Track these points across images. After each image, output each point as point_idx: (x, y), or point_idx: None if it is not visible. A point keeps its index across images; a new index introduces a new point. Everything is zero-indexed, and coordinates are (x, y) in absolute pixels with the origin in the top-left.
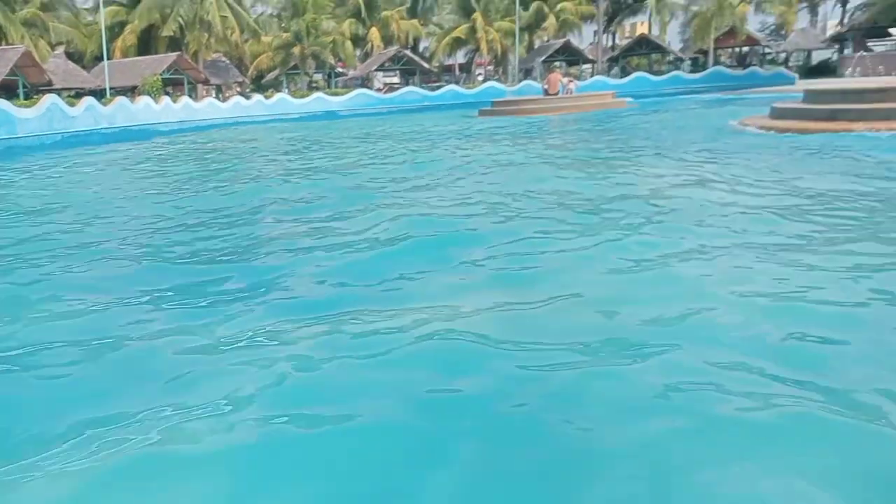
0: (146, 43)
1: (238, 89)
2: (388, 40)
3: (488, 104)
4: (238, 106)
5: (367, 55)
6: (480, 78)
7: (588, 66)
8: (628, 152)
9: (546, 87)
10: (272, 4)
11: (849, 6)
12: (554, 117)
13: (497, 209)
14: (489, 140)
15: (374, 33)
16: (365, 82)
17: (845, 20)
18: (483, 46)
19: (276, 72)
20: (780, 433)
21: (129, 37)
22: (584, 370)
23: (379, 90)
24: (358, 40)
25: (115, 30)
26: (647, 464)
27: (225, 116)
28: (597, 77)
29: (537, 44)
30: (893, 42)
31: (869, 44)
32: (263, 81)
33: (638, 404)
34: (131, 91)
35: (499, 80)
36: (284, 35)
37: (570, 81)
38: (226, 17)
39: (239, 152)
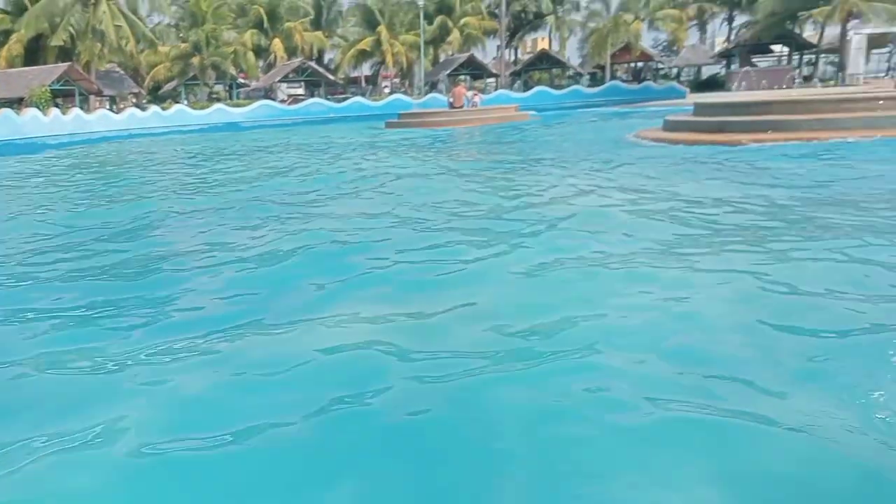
0: (34, 53)
1: (134, 101)
2: (291, 51)
3: (395, 116)
4: (133, 118)
5: (270, 66)
6: (387, 90)
7: (492, 79)
8: (531, 163)
9: (451, 100)
10: (170, 14)
11: (735, 24)
12: (460, 129)
13: (402, 220)
14: (395, 152)
15: (278, 44)
16: (268, 94)
17: (732, 37)
18: (389, 59)
19: (175, 83)
20: (674, 438)
21: (14, 46)
22: (486, 377)
23: (283, 102)
24: (260, 51)
25: None
26: (545, 471)
27: (119, 129)
28: (500, 91)
29: (442, 57)
30: (775, 58)
31: (753, 59)
32: (161, 92)
33: (538, 410)
34: (18, 103)
35: (405, 92)
36: (183, 45)
37: (475, 95)
38: (120, 26)
39: (132, 166)
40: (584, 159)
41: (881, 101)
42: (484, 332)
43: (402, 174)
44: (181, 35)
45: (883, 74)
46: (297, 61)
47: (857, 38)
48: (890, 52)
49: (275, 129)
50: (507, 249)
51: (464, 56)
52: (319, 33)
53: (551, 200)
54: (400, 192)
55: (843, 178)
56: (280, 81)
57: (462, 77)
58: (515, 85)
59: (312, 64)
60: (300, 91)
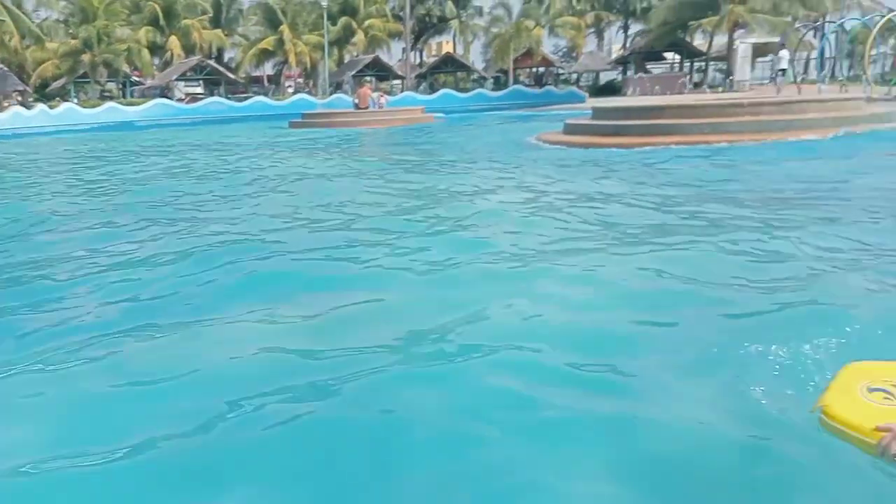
0: None
1: (19, 98)
2: (189, 50)
3: (299, 116)
4: (18, 116)
5: (167, 64)
6: (291, 90)
7: (398, 81)
8: (436, 164)
9: (357, 101)
10: (58, 9)
11: (630, 32)
12: (365, 130)
13: (303, 221)
14: (299, 152)
15: (174, 42)
16: (165, 92)
17: (627, 44)
18: (292, 59)
19: (64, 80)
20: (573, 431)
21: None
22: (387, 377)
23: (180, 100)
24: (156, 49)
25: None
26: (448, 470)
27: (1, 128)
28: (406, 92)
29: (347, 58)
30: (668, 65)
31: (648, 66)
32: (49, 90)
33: (440, 408)
34: None
35: (310, 92)
36: (72, 42)
37: (381, 96)
38: (3, 20)
39: (13, 167)
40: (487, 161)
41: (765, 107)
42: (385, 331)
43: (305, 174)
44: (71, 31)
45: (767, 81)
46: (194, 59)
47: (743, 47)
48: (772, 60)
49: (172, 128)
50: (411, 249)
51: (369, 57)
52: (219, 31)
53: (455, 200)
54: (302, 192)
55: (728, 178)
56: (177, 80)
57: (368, 78)
58: (421, 87)
59: (211, 62)
60: (199, 90)
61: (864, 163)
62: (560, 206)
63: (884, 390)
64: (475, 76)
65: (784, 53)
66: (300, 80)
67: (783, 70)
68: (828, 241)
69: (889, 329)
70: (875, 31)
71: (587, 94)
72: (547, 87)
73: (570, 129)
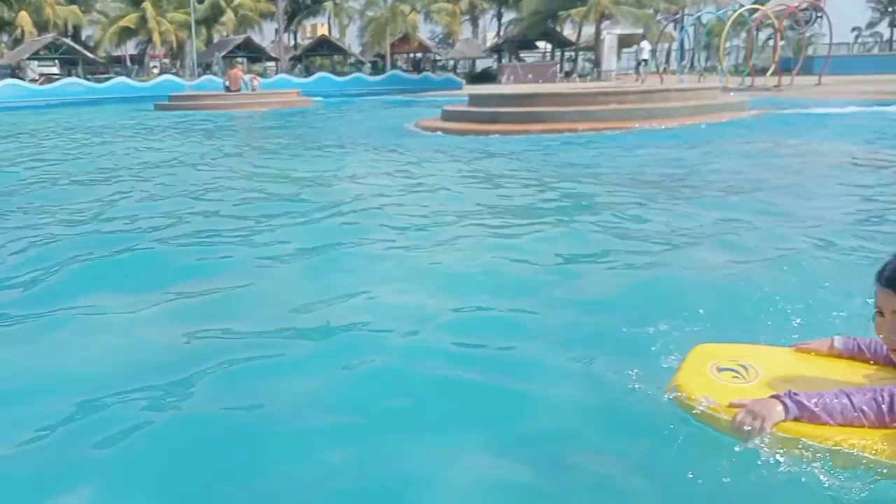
0: None
1: None
2: (42, 26)
3: (165, 98)
4: None
5: (17, 42)
6: (156, 71)
7: (271, 63)
8: (313, 149)
9: (228, 83)
10: None
11: (504, 20)
12: (238, 113)
13: (173, 208)
14: (166, 136)
15: (24, 18)
16: (15, 72)
17: (501, 32)
18: (156, 38)
19: None
20: (456, 414)
21: None
22: (260, 365)
23: (33, 81)
24: (4, 25)
25: None
26: (325, 463)
27: None
28: (281, 75)
29: (216, 38)
30: (541, 54)
31: (521, 54)
32: None
33: (317, 398)
34: None
35: (177, 73)
36: None
37: (254, 78)
38: None
39: None
40: (366, 146)
41: (630, 96)
42: (255, 319)
43: (172, 159)
44: None
45: (631, 71)
46: (48, 37)
47: (610, 37)
48: (636, 51)
49: (24, 111)
50: (283, 235)
51: (240, 38)
52: (75, 7)
53: (332, 186)
54: (169, 178)
55: (596, 163)
56: (30, 59)
57: (239, 60)
58: (296, 70)
59: (67, 41)
60: (54, 70)
61: (721, 148)
62: (437, 192)
63: (731, 370)
64: (352, 60)
65: (645, 44)
66: (166, 61)
67: (644, 60)
68: (688, 219)
69: (735, 306)
70: (728, 24)
71: (464, 81)
72: (425, 73)
73: (448, 116)
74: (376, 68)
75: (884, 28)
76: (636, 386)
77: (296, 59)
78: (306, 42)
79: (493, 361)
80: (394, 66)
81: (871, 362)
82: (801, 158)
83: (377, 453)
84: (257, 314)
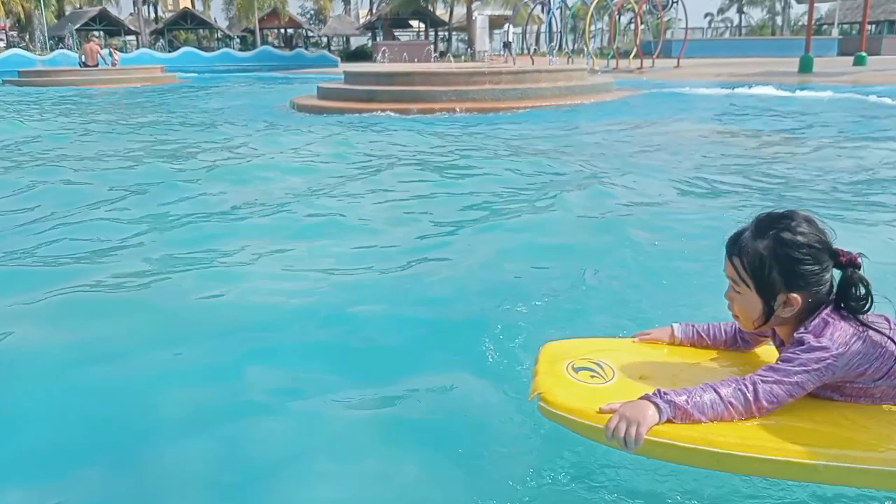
0: None
1: None
2: None
3: (14, 74)
4: None
5: None
6: (2, 44)
7: (131, 37)
8: (179, 129)
9: (84, 58)
10: None
11: None
12: (97, 90)
13: (15, 189)
14: (18, 115)
15: None
16: None
17: (374, 10)
18: (0, 9)
19: None
20: (346, 410)
21: None
22: (126, 370)
23: None
24: None
25: None
26: (208, 466)
27: None
28: (142, 50)
29: (69, 10)
30: (415, 32)
31: (395, 33)
32: None
33: (196, 398)
34: None
35: (25, 47)
36: None
37: (113, 53)
38: None
39: None
40: (238, 126)
41: (504, 76)
42: (121, 312)
43: (19, 140)
44: None
45: (501, 52)
46: None
47: (481, 18)
48: (502, 33)
49: None
50: (150, 222)
51: (95, 10)
52: None
53: (203, 168)
54: (13, 158)
55: (471, 144)
56: None
57: (95, 33)
58: (159, 44)
59: None
60: None
61: (595, 129)
62: (312, 173)
63: (587, 368)
64: (219, 35)
65: (508, 27)
66: (13, 34)
67: (508, 42)
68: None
69: (571, 294)
70: (592, 7)
71: (339, 59)
72: (298, 50)
73: (324, 94)
74: (245, 44)
75: (733, 14)
76: (492, 391)
77: (158, 33)
78: (168, 15)
79: (364, 355)
80: (264, 42)
81: (712, 347)
82: (662, 137)
83: (258, 452)
84: (123, 306)
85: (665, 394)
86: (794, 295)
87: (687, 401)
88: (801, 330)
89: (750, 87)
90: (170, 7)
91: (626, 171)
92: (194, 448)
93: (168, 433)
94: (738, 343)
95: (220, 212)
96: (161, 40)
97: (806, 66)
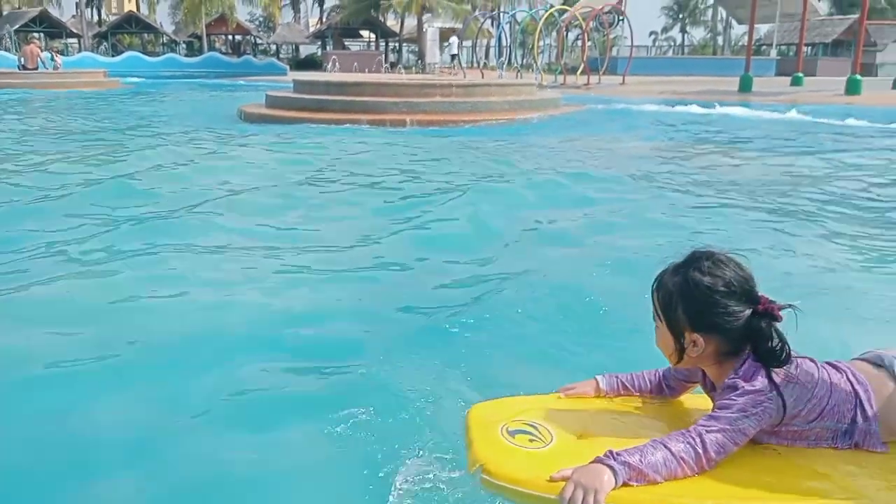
0: None
1: None
2: None
3: None
4: None
5: None
6: None
7: (73, 40)
8: (121, 137)
9: (23, 60)
10: None
11: (326, 6)
12: (36, 94)
13: None
14: None
15: None
16: None
17: (324, 19)
18: None
19: None
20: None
21: None
22: (48, 382)
23: None
24: None
25: None
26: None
27: None
28: (85, 53)
29: (7, 10)
30: (365, 42)
31: (346, 42)
32: None
33: (121, 419)
34: None
35: None
36: None
37: (56, 56)
38: None
39: None
40: (182, 133)
41: (455, 88)
42: (61, 324)
43: None
44: None
45: (449, 65)
46: None
47: (431, 30)
48: (447, 46)
49: None
50: (89, 232)
51: (35, 11)
52: None
53: (146, 178)
54: None
55: (414, 157)
56: None
57: (35, 35)
58: (102, 48)
59: None
60: None
61: (537, 142)
62: (260, 184)
63: (523, 431)
64: (165, 39)
65: (454, 40)
66: None
67: (454, 55)
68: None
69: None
70: (541, 23)
71: (288, 67)
72: (246, 57)
73: (273, 103)
74: (192, 49)
75: (676, 33)
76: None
77: (101, 37)
78: (112, 18)
79: (306, 378)
80: (211, 48)
81: (638, 396)
82: (607, 153)
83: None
84: (64, 319)
85: (618, 455)
86: (698, 336)
87: (640, 460)
88: (733, 375)
89: (692, 105)
90: (114, 10)
91: (565, 192)
92: (135, 468)
93: (105, 451)
94: (663, 391)
95: (159, 223)
96: (104, 44)
97: (746, 86)
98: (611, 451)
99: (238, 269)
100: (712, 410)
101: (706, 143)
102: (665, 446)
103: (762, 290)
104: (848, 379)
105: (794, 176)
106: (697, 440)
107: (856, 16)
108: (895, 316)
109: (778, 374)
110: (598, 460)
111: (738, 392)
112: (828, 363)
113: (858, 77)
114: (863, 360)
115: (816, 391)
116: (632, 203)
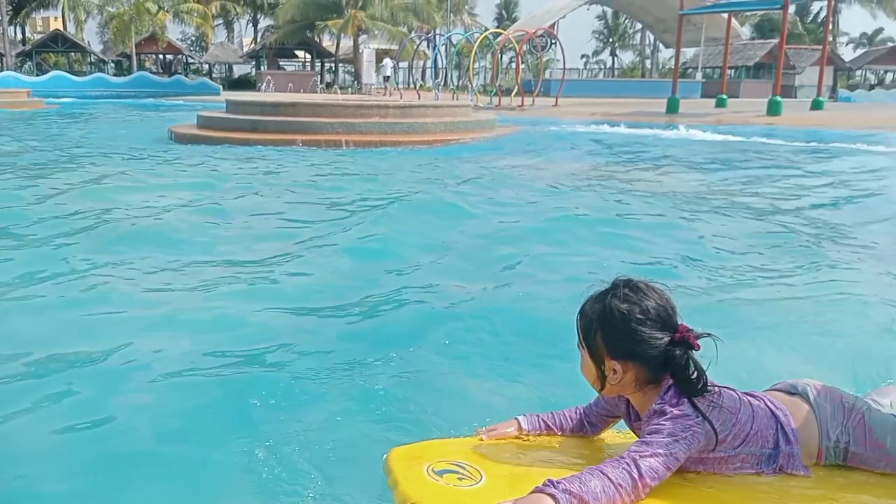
0: None
1: None
2: None
3: None
4: None
5: None
6: None
7: None
8: (47, 159)
9: None
10: None
11: (260, 26)
12: None
13: None
14: None
15: None
16: None
17: (259, 39)
18: None
19: None
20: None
21: None
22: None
23: None
24: None
25: None
26: None
27: None
28: (7, 72)
29: None
30: (301, 63)
31: (281, 62)
32: None
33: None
34: None
35: None
36: None
37: None
38: None
39: None
40: (111, 155)
41: (391, 109)
42: None
43: None
44: None
45: (384, 86)
46: None
47: (367, 51)
48: (380, 67)
49: None
50: (12, 257)
51: None
52: None
53: (72, 202)
54: None
55: (348, 179)
56: None
57: None
58: (26, 67)
59: None
60: None
61: (471, 163)
62: (190, 206)
63: (451, 471)
64: (93, 59)
65: (387, 61)
66: None
67: (387, 77)
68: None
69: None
70: (475, 46)
71: (221, 87)
72: (177, 76)
73: (205, 123)
74: (121, 69)
75: (607, 56)
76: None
77: (25, 56)
78: (37, 37)
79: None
80: (141, 67)
81: (560, 435)
82: (540, 173)
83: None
84: None
85: (558, 483)
86: (616, 363)
87: (581, 488)
88: (659, 401)
89: (621, 127)
90: (39, 28)
91: (496, 214)
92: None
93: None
94: (585, 428)
95: (84, 247)
96: (28, 63)
97: (673, 107)
98: (550, 480)
99: (153, 292)
100: (642, 436)
101: (635, 164)
102: (602, 473)
103: (687, 314)
104: (766, 405)
105: (718, 194)
106: (633, 466)
107: (776, 40)
108: (812, 343)
109: (703, 401)
110: (538, 490)
111: (666, 417)
112: (745, 392)
113: (779, 98)
114: (775, 390)
115: (740, 416)
116: (561, 225)
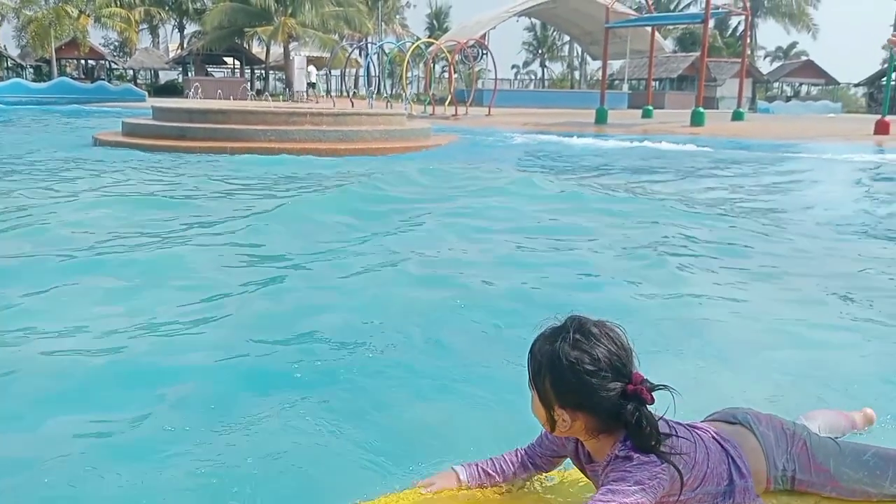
0: None
1: None
2: None
3: None
4: None
5: None
6: None
7: None
8: None
9: None
10: None
11: (186, 32)
12: None
13: None
14: None
15: None
16: None
17: (185, 44)
18: None
19: None
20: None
21: None
22: None
23: None
24: None
25: None
26: None
27: None
28: None
29: None
30: (230, 69)
31: (209, 69)
32: None
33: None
34: None
35: None
36: None
37: None
38: None
39: None
40: (32, 165)
41: (325, 117)
42: None
43: None
44: None
45: (315, 93)
46: None
47: (298, 59)
48: (311, 73)
49: None
50: None
51: None
52: None
53: None
54: None
55: (280, 187)
56: None
57: None
58: None
59: None
60: None
61: (407, 173)
62: (117, 216)
63: None
64: (10, 63)
65: (311, 69)
66: None
67: (312, 84)
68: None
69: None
70: (408, 55)
71: (147, 93)
72: (100, 82)
73: (130, 130)
74: (40, 74)
75: (537, 67)
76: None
77: None
78: None
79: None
80: (62, 73)
81: (503, 483)
82: (474, 183)
83: None
84: None
85: None
86: (565, 412)
87: None
88: (621, 446)
89: (552, 136)
90: None
91: (428, 228)
92: None
93: None
94: (529, 470)
95: (11, 264)
96: None
97: (601, 118)
98: None
99: (78, 307)
100: (606, 483)
101: (566, 172)
102: None
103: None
104: (713, 438)
105: (649, 202)
106: None
107: (697, 53)
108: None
109: (663, 446)
110: None
111: (633, 463)
112: (690, 425)
113: (702, 109)
114: (714, 420)
115: (697, 456)
116: (494, 238)
